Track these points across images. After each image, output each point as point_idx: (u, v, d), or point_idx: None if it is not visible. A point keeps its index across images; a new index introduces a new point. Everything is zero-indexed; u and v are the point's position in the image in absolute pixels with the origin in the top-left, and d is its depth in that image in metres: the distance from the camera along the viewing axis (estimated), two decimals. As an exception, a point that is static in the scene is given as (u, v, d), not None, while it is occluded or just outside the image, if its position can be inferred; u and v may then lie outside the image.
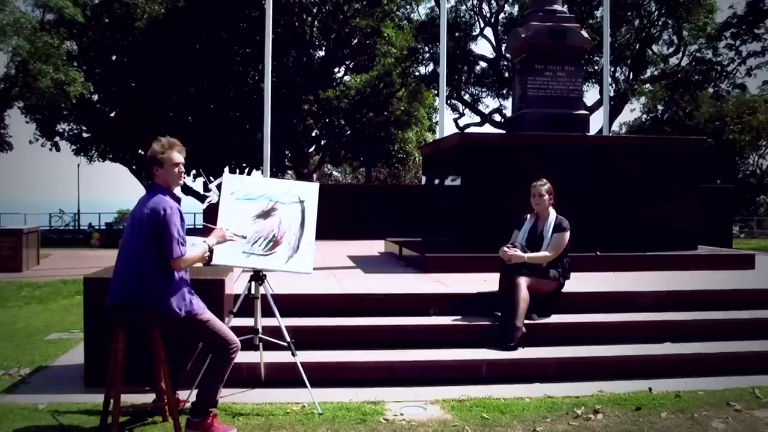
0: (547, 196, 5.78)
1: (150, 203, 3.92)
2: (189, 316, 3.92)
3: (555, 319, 5.61)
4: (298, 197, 4.68)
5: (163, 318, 3.89)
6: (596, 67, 27.25)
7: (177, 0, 26.93)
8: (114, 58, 28.20)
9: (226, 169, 5.09)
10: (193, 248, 4.03)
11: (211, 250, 4.15)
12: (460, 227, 7.82)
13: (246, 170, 30.08)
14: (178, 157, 4.03)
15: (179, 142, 4.10)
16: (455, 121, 32.97)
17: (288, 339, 4.55)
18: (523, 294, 5.37)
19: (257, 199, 4.64)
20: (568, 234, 5.72)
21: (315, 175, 31.54)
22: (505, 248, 5.61)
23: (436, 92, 25.99)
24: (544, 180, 5.84)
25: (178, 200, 4.04)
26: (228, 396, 4.53)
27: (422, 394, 4.67)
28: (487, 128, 30.83)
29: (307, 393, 4.43)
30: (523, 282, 5.44)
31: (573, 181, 7.61)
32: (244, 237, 4.50)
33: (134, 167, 30.64)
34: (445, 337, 5.38)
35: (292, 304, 5.31)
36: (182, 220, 3.99)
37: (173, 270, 3.89)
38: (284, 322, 4.62)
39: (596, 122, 28.94)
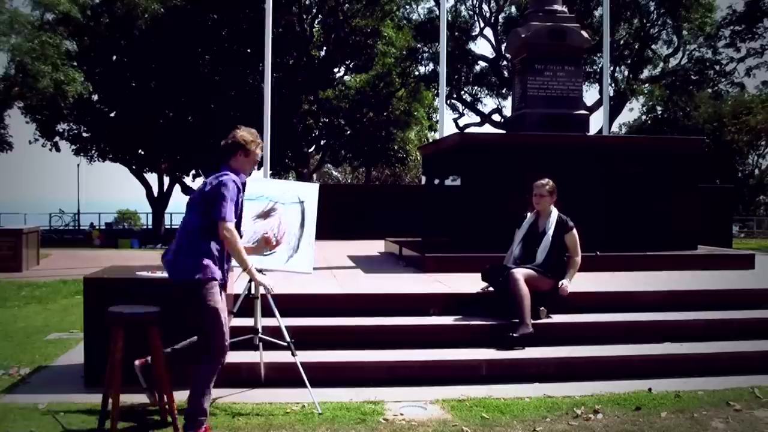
0: (548, 196, 5.76)
1: (214, 177, 3.94)
2: (204, 281, 3.80)
3: (555, 319, 5.61)
4: (298, 197, 4.69)
5: (180, 282, 3.84)
6: (596, 67, 27.27)
7: (177, -1, 26.92)
8: (114, 58, 28.17)
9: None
10: (245, 247, 4.01)
11: (247, 270, 4.07)
12: (459, 227, 7.82)
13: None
14: (260, 154, 4.15)
15: None
16: (455, 120, 33.02)
17: (288, 339, 4.55)
18: (523, 290, 5.34)
19: (257, 199, 4.64)
20: (575, 231, 5.74)
21: (315, 175, 31.52)
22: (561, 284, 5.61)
23: (435, 92, 25.96)
24: (547, 179, 5.81)
25: (243, 183, 4.06)
26: (228, 396, 4.54)
27: (422, 394, 4.67)
28: (487, 128, 30.88)
29: (307, 393, 4.43)
30: (519, 276, 5.41)
31: (573, 181, 7.60)
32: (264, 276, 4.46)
33: (134, 167, 30.60)
34: (445, 337, 5.38)
35: (292, 304, 5.31)
36: (240, 202, 3.97)
37: (216, 236, 3.82)
38: (284, 322, 4.62)
39: (596, 122, 28.91)
